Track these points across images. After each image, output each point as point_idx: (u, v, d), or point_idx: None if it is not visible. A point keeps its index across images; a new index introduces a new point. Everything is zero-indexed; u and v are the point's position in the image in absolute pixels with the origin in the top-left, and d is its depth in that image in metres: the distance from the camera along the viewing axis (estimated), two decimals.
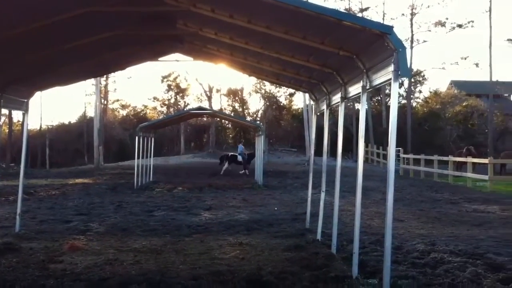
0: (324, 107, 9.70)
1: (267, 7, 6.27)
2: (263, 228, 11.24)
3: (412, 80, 55.92)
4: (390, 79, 5.64)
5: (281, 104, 59.70)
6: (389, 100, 56.50)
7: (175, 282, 6.74)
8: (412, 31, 51.10)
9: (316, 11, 5.74)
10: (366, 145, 47.44)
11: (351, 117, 48.70)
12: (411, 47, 51.34)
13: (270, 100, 58.69)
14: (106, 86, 52.85)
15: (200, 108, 32.97)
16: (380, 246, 9.09)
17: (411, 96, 56.44)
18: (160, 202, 16.20)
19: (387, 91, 55.79)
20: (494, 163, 25.41)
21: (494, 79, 47.19)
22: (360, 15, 46.30)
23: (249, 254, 8.43)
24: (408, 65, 47.75)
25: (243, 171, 29.99)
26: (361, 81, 6.85)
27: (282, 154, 49.39)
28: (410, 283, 6.56)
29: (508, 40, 44.72)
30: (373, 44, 5.99)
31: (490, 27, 40.65)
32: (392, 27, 5.51)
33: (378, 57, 6.12)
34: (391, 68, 5.56)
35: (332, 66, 8.08)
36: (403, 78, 56.05)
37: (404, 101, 55.46)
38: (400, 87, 56.10)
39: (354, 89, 7.48)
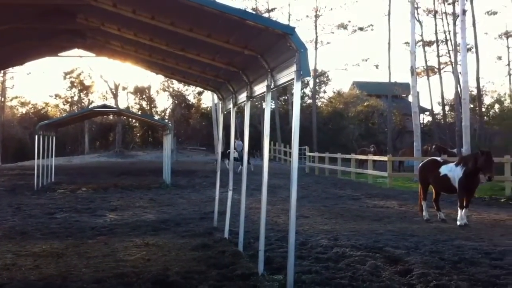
0: (231, 105, 9.73)
1: (170, 3, 6.18)
2: (171, 228, 11.09)
3: (317, 80, 57.57)
4: (293, 78, 5.76)
5: (190, 102, 59.35)
6: None
7: (77, 286, 6.47)
8: (316, 33, 52.56)
9: (220, 9, 5.73)
10: (274, 144, 48.31)
11: (259, 116, 49.35)
12: (316, 48, 52.79)
13: (179, 98, 58.16)
14: (3, 82, 49.88)
15: (104, 106, 31.90)
16: (286, 243, 9.22)
17: (316, 96, 58.08)
18: (62, 204, 15.51)
19: (293, 90, 57.11)
20: (393, 160, 26.72)
21: (392, 80, 49.70)
22: (266, 15, 47.01)
23: (156, 255, 8.27)
24: (313, 66, 48.98)
25: (240, 168, 28.50)
26: (266, 81, 6.93)
27: (191, 153, 49.13)
28: (313, 277, 6.72)
29: (406, 43, 47.08)
30: (277, 44, 6.08)
31: (389, 30, 42.51)
32: (294, 28, 5.62)
33: (281, 57, 6.22)
34: (294, 68, 5.67)
35: (238, 65, 8.11)
36: (308, 78, 57.75)
37: (309, 101, 57.00)
38: (305, 87, 57.70)
39: (260, 88, 7.55)
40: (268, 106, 7.26)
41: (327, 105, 61.28)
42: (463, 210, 11.21)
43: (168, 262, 7.76)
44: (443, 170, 11.77)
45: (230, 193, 9.80)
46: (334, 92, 62.17)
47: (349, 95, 61.55)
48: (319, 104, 59.52)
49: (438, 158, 13.04)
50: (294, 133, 5.76)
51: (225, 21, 6.12)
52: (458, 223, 11.17)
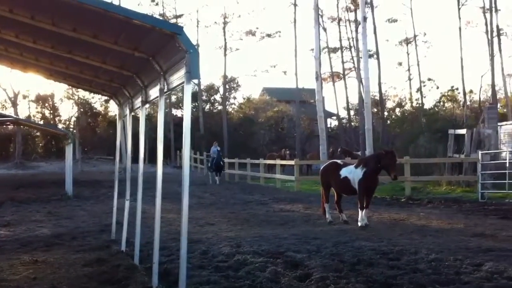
0: (128, 111, 9.30)
1: (47, 1, 5.71)
2: (65, 242, 10.40)
3: (227, 86, 57.64)
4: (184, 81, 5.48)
5: (96, 110, 57.34)
6: (205, 105, 57.60)
7: None
8: (225, 39, 52.73)
9: (102, 8, 5.35)
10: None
11: (169, 124, 48.60)
12: (225, 55, 52.94)
13: (84, 106, 56.05)
14: None
15: (0, 115, 29.97)
16: (187, 253, 8.96)
17: (227, 102, 58.13)
18: None
19: (203, 97, 56.84)
20: (300, 164, 27.11)
21: (300, 86, 50.79)
22: (174, 21, 46.44)
23: (44, 273, 7.65)
24: (223, 72, 48.77)
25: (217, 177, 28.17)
26: (159, 84, 6.62)
27: (98, 163, 47.35)
28: None
29: (312, 49, 48.32)
30: (167, 45, 5.78)
31: (295, 37, 43.50)
32: (182, 27, 5.36)
33: (173, 59, 5.93)
34: (184, 70, 5.41)
35: (131, 69, 7.72)
36: (218, 84, 57.74)
37: (220, 107, 56.97)
38: (216, 94, 57.57)
39: (155, 92, 7.21)
40: (162, 110, 6.94)
41: (237, 111, 61.48)
42: (364, 211, 11.42)
43: (56, 280, 7.19)
44: (343, 172, 11.95)
45: (127, 203, 9.34)
46: (244, 98, 62.52)
47: (259, 101, 62.20)
48: (229, 110, 59.60)
49: (339, 161, 13.24)
50: (184, 138, 5.47)
51: (111, 20, 5.73)
52: (359, 224, 11.35)
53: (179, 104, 57.22)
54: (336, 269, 7.19)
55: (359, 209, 11.52)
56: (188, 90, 5.53)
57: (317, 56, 28.87)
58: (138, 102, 8.42)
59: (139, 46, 6.48)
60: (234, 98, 62.50)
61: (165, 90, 6.58)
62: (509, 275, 6.55)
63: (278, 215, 14.20)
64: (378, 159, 11.47)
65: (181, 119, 54.78)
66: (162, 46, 5.97)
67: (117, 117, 11.06)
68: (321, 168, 13.38)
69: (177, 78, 5.98)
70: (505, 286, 6.10)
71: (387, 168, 11.31)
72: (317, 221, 12.74)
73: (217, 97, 59.32)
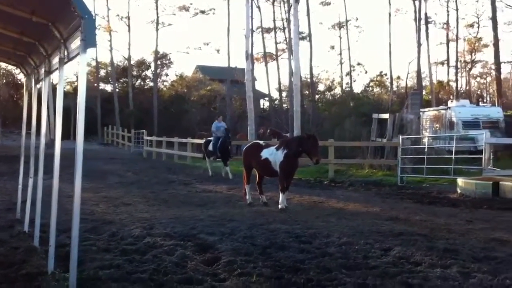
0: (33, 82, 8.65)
1: None
2: None
3: (159, 62, 56.35)
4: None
5: (19, 82, 54.54)
6: (135, 81, 56.14)
7: None
8: (157, 13, 51.42)
9: None
10: (112, 127, 46.38)
11: (96, 98, 47.06)
12: (157, 30, 51.67)
13: (7, 78, 53.25)
14: None
15: None
16: (94, 234, 8.50)
17: (158, 79, 56.89)
18: None
19: (134, 72, 55.34)
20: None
21: (233, 65, 50.38)
22: None
23: None
24: (154, 48, 47.49)
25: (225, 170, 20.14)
26: (59, 53, 6.10)
27: (19, 137, 45.17)
28: (112, 273, 6.07)
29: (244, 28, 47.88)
30: (65, 10, 5.27)
31: (228, 14, 42.89)
32: None
33: (72, 26, 5.42)
34: (80, 37, 4.95)
35: (32, 35, 7.09)
36: (149, 60, 56.29)
37: (151, 84, 55.69)
38: (147, 70, 56.13)
39: (57, 62, 6.66)
40: (61, 82, 6.41)
41: (169, 88, 60.34)
42: (284, 193, 11.32)
43: None
44: (265, 153, 11.79)
45: (30, 181, 8.73)
46: (176, 75, 61.42)
47: (192, 78, 61.24)
48: (161, 87, 58.36)
49: (261, 142, 13.05)
50: (79, 113, 5.03)
51: None
52: (279, 206, 11.24)
53: (108, 78, 55.47)
54: (246, 253, 6.99)
55: (280, 191, 11.41)
56: (83, 59, 5.07)
57: (248, 35, 28.55)
58: (42, 72, 7.82)
59: (37, 9, 5.91)
60: (166, 75, 61.34)
61: (65, 59, 6.07)
62: (415, 260, 6.57)
63: (199, 196, 13.92)
64: (299, 143, 11.34)
65: (110, 94, 53.38)
66: (60, 11, 5.45)
67: (25, 88, 10.33)
68: (244, 149, 13.18)
69: (76, 46, 5.50)
70: (410, 271, 6.08)
71: (308, 152, 11.21)
72: (237, 202, 12.55)
73: (148, 73, 57.91)
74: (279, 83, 51.27)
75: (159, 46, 56.92)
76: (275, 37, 49.88)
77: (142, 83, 58.44)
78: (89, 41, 4.88)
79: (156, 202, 12.68)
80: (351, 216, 10.32)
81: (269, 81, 55.74)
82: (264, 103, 59.22)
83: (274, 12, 49.06)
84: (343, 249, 7.18)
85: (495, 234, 8.48)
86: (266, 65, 49.97)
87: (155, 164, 26.79)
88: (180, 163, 26.98)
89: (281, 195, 11.34)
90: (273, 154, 11.58)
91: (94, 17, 4.94)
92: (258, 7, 47.37)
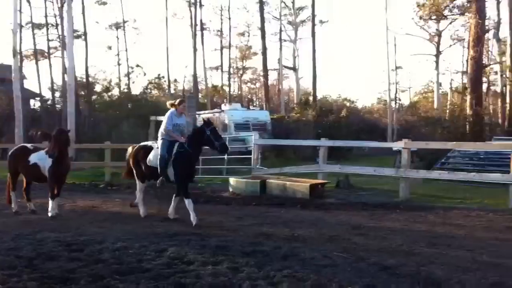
0: None
1: None
2: None
3: None
4: None
5: None
6: None
7: None
8: None
9: None
10: None
11: None
12: None
13: None
14: None
15: None
16: None
17: None
18: None
19: None
20: None
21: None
22: None
23: None
24: None
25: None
26: None
27: None
28: None
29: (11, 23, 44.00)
30: None
31: None
32: None
33: None
34: None
35: None
36: None
37: None
38: None
39: None
40: None
41: None
42: (54, 200, 10.63)
43: None
44: (33, 158, 10.91)
45: None
46: None
47: None
48: None
49: (29, 145, 12.01)
50: None
51: None
52: (49, 214, 10.49)
53: None
54: (10, 266, 6.36)
55: (49, 199, 10.65)
56: None
57: (15, 30, 26.27)
58: None
59: None
60: None
61: None
62: (189, 259, 6.70)
63: None
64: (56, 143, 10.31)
65: None
66: None
67: None
68: (10, 153, 11.98)
69: None
70: (183, 271, 6.19)
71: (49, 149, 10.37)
72: (1, 211, 11.40)
73: None
74: (52, 83, 48.15)
75: None
76: (47, 34, 46.74)
77: None
78: None
79: None
80: (127, 220, 10.16)
81: (40, 80, 51.99)
82: (35, 103, 55.11)
83: (46, 8, 45.90)
84: (117, 254, 7.00)
85: (262, 229, 9.16)
86: (37, 63, 46.46)
87: None
88: None
89: (50, 201, 10.59)
90: (42, 159, 10.76)
91: None
92: (28, 1, 43.92)
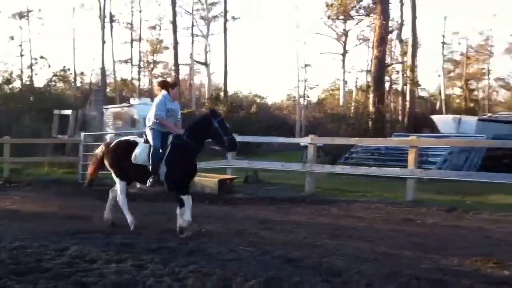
0: None
1: None
2: None
3: None
4: None
5: None
6: None
7: None
8: None
9: None
10: None
11: None
12: None
13: None
14: None
15: None
16: None
17: None
18: None
19: None
20: None
21: None
22: None
23: None
24: None
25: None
26: None
27: None
28: None
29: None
30: None
31: None
32: None
33: None
34: None
35: None
36: None
37: None
38: None
39: None
40: None
41: None
42: None
43: None
44: None
45: None
46: None
47: None
48: None
49: None
50: None
51: None
52: None
53: None
54: None
55: None
56: None
57: None
58: None
59: None
60: None
61: None
62: (91, 257, 6.52)
63: None
64: None
65: None
66: None
67: None
68: None
69: None
70: (85, 269, 6.01)
71: None
72: None
73: None
74: None
75: None
76: None
77: None
78: None
79: None
80: (26, 218, 9.73)
81: None
82: None
83: None
84: (14, 254, 6.67)
85: (169, 225, 9.04)
86: None
87: None
88: None
89: None
90: None
91: None
92: None
